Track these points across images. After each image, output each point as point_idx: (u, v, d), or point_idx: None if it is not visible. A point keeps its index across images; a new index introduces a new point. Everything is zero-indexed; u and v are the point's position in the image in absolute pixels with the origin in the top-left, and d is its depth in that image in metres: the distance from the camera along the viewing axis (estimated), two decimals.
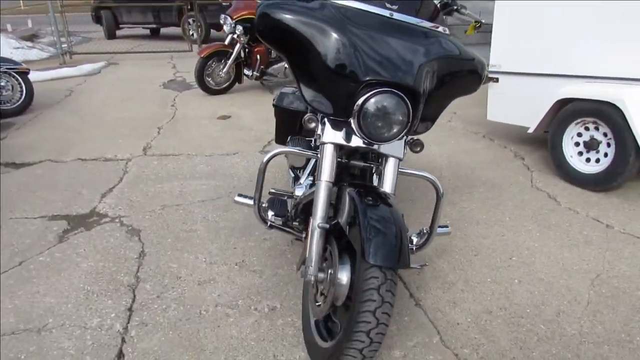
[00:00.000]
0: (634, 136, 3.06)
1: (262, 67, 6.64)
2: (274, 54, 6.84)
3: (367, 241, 1.50)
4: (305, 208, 2.29)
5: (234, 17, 6.25)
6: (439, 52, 1.80)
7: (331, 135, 1.81)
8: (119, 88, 7.03)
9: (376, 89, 1.67)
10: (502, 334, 2.03)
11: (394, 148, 1.83)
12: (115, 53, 10.12)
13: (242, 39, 6.28)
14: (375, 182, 2.00)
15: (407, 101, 1.70)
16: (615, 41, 3.20)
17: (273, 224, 2.24)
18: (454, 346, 1.97)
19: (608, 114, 3.19)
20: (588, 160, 3.46)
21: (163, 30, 13.85)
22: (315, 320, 1.93)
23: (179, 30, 12.25)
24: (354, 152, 1.99)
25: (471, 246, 2.73)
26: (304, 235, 2.29)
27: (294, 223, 2.31)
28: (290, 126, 3.05)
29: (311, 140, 2.46)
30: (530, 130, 3.77)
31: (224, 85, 6.66)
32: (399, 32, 1.79)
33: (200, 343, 1.99)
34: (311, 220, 1.78)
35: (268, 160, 2.09)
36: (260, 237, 2.84)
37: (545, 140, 3.92)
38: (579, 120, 3.42)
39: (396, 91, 1.68)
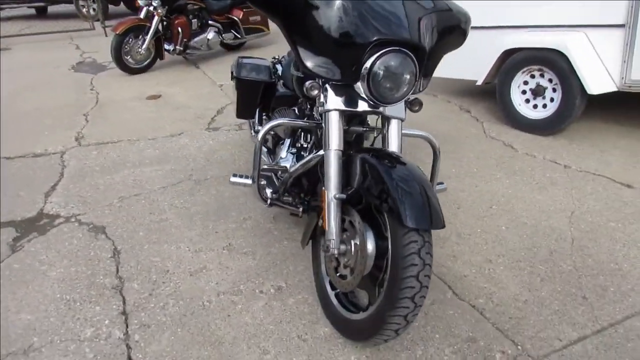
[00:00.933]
0: (579, 79, 3.25)
1: (184, 40, 6.25)
2: (195, 25, 6.47)
3: (401, 205, 1.45)
4: (296, 181, 2.20)
5: None
6: (434, 7, 1.76)
7: (335, 102, 1.71)
8: (23, 76, 6.29)
9: (384, 48, 1.60)
10: (508, 280, 2.11)
11: (397, 109, 1.78)
12: (3, 37, 9.03)
13: (159, 11, 5.84)
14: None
15: (414, 59, 1.65)
16: None
17: (274, 201, 2.13)
18: (468, 298, 2.01)
19: (553, 61, 3.36)
20: (535, 106, 3.64)
21: (52, 9, 12.57)
22: (336, 293, 1.87)
23: (72, 7, 11.15)
24: (352, 118, 1.92)
25: (452, 200, 2.79)
26: (300, 209, 2.20)
27: (284, 198, 2.22)
28: (254, 98, 2.89)
29: (294, 110, 2.33)
30: (479, 83, 3.89)
31: (145, 63, 6.18)
32: None
33: (216, 335, 1.86)
34: (325, 192, 1.70)
35: (265, 135, 1.95)
36: (239, 218, 2.70)
37: (485, 92, 4.08)
38: (525, 69, 3.57)
39: (404, 49, 1.62)
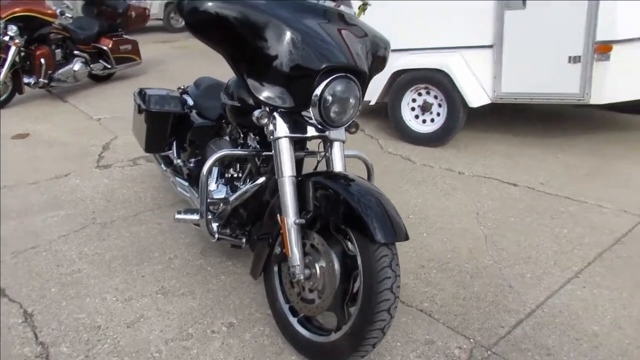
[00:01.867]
0: (461, 95, 3.66)
1: (49, 72, 5.71)
2: (59, 55, 5.94)
3: (369, 221, 1.51)
4: (235, 212, 2.16)
5: (3, 16, 5.20)
6: (363, 34, 1.88)
7: (285, 129, 1.74)
8: None
9: (332, 75, 1.67)
10: (443, 281, 2.28)
11: (339, 132, 1.86)
12: None
13: (17, 41, 5.29)
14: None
15: (357, 83, 1.75)
16: (436, 18, 3.73)
17: (221, 236, 2.06)
18: (414, 304, 2.13)
19: (437, 79, 3.74)
20: (424, 121, 4.00)
21: None
22: (299, 320, 1.86)
23: None
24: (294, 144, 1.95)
25: None
26: (243, 240, 2.15)
27: (222, 230, 2.16)
28: (165, 131, 2.77)
29: (227, 140, 2.28)
30: (372, 103, 4.16)
31: (1, 99, 5.52)
32: (325, 16, 1.81)
33: None
34: (284, 218, 1.70)
35: (210, 167, 1.89)
36: (164, 258, 2.54)
37: (374, 111, 4.36)
38: (412, 88, 3.91)
39: (349, 75, 1.71)
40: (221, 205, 2.13)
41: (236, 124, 2.14)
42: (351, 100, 1.73)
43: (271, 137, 1.76)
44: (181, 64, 8.08)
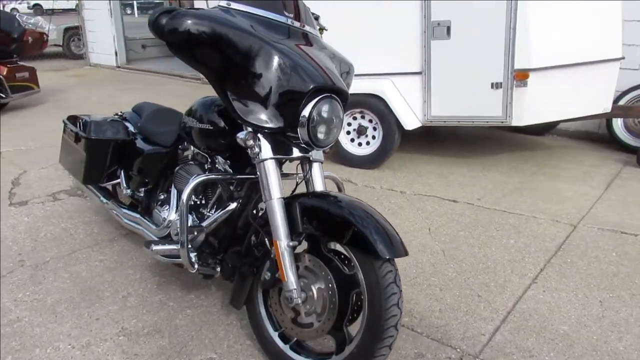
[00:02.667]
0: (396, 118, 3.82)
1: None
2: None
3: (372, 238, 1.51)
4: (205, 241, 2.05)
5: None
6: (333, 56, 1.92)
7: (269, 151, 1.70)
8: None
9: (318, 95, 1.66)
10: (416, 295, 2.32)
11: (318, 153, 1.86)
12: None
13: None
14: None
15: (340, 103, 1.76)
16: (370, 46, 3.87)
17: (202, 265, 1.92)
18: None
19: (372, 104, 3.88)
20: (360, 144, 4.10)
21: None
22: (291, 346, 1.79)
23: None
24: None
25: None
26: (218, 269, 2.03)
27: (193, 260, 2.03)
28: (106, 160, 2.58)
29: (194, 165, 2.15)
30: None
31: None
32: (306, 39, 1.83)
33: None
34: (276, 242, 1.64)
35: (190, 193, 1.78)
36: (117, 297, 2.32)
37: None
38: (348, 112, 4.01)
39: (333, 95, 1.72)
40: (195, 233, 2.00)
41: (204, 148, 2.04)
42: (335, 120, 1.73)
43: (256, 159, 1.70)
44: (81, 92, 7.59)
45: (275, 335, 1.82)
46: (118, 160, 2.63)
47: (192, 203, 2.17)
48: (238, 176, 1.92)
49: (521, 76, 3.57)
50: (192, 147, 2.18)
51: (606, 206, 3.32)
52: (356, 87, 3.82)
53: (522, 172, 3.99)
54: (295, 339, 1.79)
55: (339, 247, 1.67)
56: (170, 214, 2.20)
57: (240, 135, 1.68)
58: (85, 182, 2.67)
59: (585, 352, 1.92)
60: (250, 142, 1.67)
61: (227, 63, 1.62)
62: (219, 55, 1.61)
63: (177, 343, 2.00)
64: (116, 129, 2.54)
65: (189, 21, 1.56)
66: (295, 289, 1.63)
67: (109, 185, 2.77)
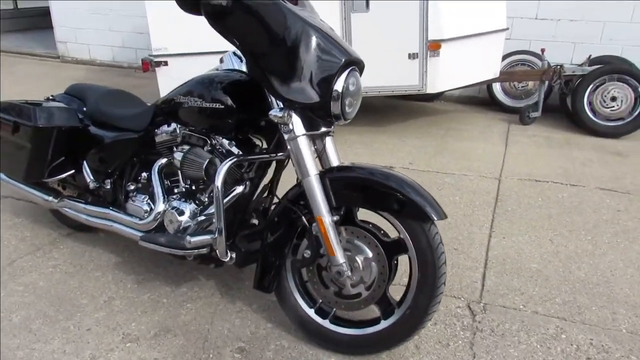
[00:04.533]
0: None
1: None
2: None
3: (421, 203, 1.60)
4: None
5: None
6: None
7: (302, 127, 1.67)
8: None
9: (347, 68, 1.67)
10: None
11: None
12: None
13: None
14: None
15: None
16: None
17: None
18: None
19: None
20: None
21: None
22: (330, 319, 1.80)
23: None
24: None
25: None
26: (233, 255, 1.93)
27: None
28: (56, 150, 2.26)
29: (201, 150, 1.96)
30: None
31: None
32: (313, 13, 1.81)
33: None
34: (320, 218, 1.64)
35: (224, 178, 1.67)
36: (99, 302, 2.08)
37: None
38: None
39: (356, 68, 1.74)
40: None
41: (203, 129, 1.90)
42: (360, 91, 1.76)
43: (289, 136, 1.66)
44: None
45: (312, 313, 1.82)
46: (64, 151, 2.30)
47: (186, 190, 2.02)
48: (275, 156, 1.83)
49: (434, 46, 3.88)
50: (177, 130, 2.01)
51: (513, 160, 3.81)
52: None
53: (433, 136, 4.37)
54: (332, 312, 1.81)
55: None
56: (158, 205, 2.01)
57: (274, 112, 1.62)
58: (27, 178, 2.29)
59: (560, 282, 2.25)
60: (286, 119, 1.61)
61: (263, 37, 1.55)
62: (256, 28, 1.54)
63: (195, 339, 1.88)
64: (67, 115, 2.22)
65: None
66: (344, 262, 1.65)
67: (52, 182, 2.41)
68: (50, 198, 2.35)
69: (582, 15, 4.98)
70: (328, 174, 1.70)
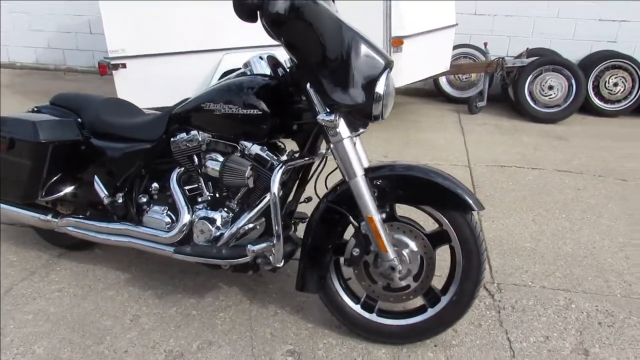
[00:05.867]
0: None
1: None
2: None
3: (463, 195, 1.71)
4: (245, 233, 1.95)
5: None
6: None
7: (347, 130, 1.72)
8: None
9: (385, 70, 1.74)
10: None
11: None
12: None
13: None
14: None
15: None
16: None
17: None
18: None
19: None
20: None
21: None
22: (377, 313, 1.87)
23: None
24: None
25: None
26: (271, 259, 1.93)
27: None
28: (54, 167, 2.13)
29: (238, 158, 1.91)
30: None
31: None
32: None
33: None
34: (371, 217, 1.70)
35: (280, 185, 1.68)
36: (124, 322, 1.99)
37: None
38: None
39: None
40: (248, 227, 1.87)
41: (237, 135, 1.88)
42: (394, 93, 1.83)
43: (335, 139, 1.70)
44: None
45: (358, 308, 1.88)
46: (62, 166, 2.16)
47: (211, 197, 1.99)
48: (312, 158, 1.86)
49: (397, 42, 4.03)
50: (199, 137, 1.95)
51: (474, 148, 4.08)
52: (245, 59, 3.78)
53: (396, 128, 4.55)
54: (377, 305, 1.88)
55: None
56: (182, 215, 1.96)
57: (323, 116, 1.65)
58: (26, 199, 2.12)
59: (554, 258, 2.48)
60: (336, 123, 1.65)
61: (317, 42, 1.58)
62: (311, 34, 1.56)
63: (242, 347, 1.87)
64: (69, 128, 2.08)
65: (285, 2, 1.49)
66: (395, 257, 1.73)
67: (42, 201, 2.25)
68: (49, 217, 2.19)
69: (516, 10, 5.40)
70: (369, 174, 1.75)
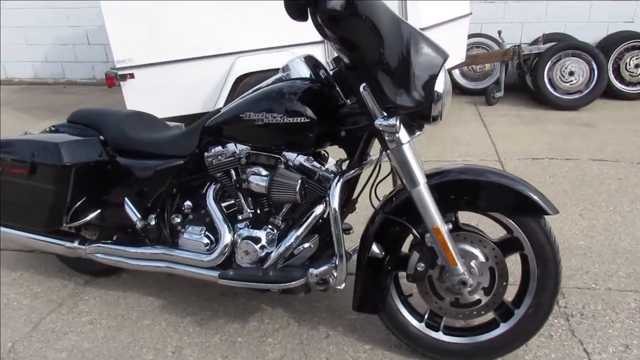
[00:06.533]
0: None
1: None
2: None
3: (536, 199, 1.55)
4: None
5: None
6: None
7: (406, 134, 1.56)
8: None
9: (444, 65, 1.59)
10: None
11: None
12: None
13: None
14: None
15: None
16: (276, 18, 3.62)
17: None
18: None
19: None
20: None
21: None
22: (444, 332, 1.72)
23: None
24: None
25: None
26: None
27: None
28: (82, 187, 1.98)
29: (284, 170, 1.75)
30: None
31: None
32: None
33: None
34: (437, 228, 1.55)
35: (341, 199, 1.52)
36: (165, 354, 1.83)
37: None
38: None
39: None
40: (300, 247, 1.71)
41: (281, 146, 1.73)
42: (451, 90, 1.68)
43: (393, 144, 1.54)
44: None
45: (422, 327, 1.72)
46: (86, 189, 2.00)
47: (253, 214, 1.83)
48: (362, 167, 1.70)
49: None
50: (236, 150, 1.79)
51: (500, 141, 3.93)
52: (268, 62, 3.62)
53: None
54: (442, 322, 1.73)
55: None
56: (223, 236, 1.80)
57: (381, 121, 1.48)
58: (49, 226, 1.96)
59: (613, 256, 2.33)
60: (397, 128, 1.49)
61: (375, 41, 1.42)
62: (369, 33, 1.40)
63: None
64: (93, 148, 1.92)
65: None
66: (465, 270, 1.58)
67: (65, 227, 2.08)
68: (76, 245, 2.04)
69: None
70: (429, 180, 1.60)
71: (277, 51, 3.71)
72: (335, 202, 1.53)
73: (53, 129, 2.13)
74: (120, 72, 3.72)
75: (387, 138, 1.53)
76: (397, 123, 1.48)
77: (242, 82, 3.75)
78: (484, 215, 1.64)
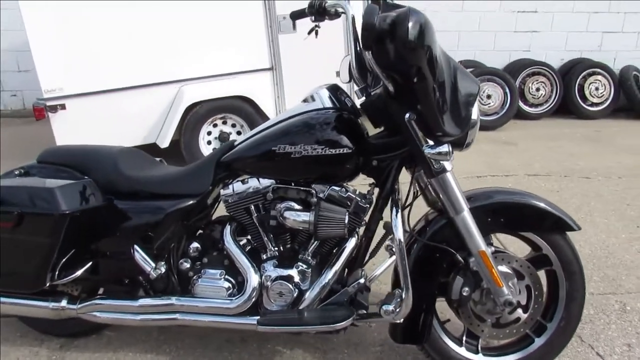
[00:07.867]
0: (266, 118, 3.65)
1: None
2: None
3: (562, 216, 1.66)
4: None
5: None
6: None
7: (449, 162, 1.59)
8: None
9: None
10: None
11: None
12: None
13: None
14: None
15: None
16: (217, 46, 3.50)
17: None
18: None
19: (239, 107, 3.57)
20: None
21: None
22: (483, 352, 1.75)
23: None
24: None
25: None
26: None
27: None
28: (73, 239, 1.74)
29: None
30: (165, 145, 3.51)
31: None
32: None
33: None
34: (484, 252, 1.59)
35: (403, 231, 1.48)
36: None
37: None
38: (210, 120, 3.57)
39: None
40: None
41: (315, 179, 1.66)
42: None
43: (438, 172, 1.56)
44: None
45: (463, 351, 1.73)
46: (77, 241, 1.74)
47: (279, 251, 1.72)
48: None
49: None
50: (259, 185, 1.69)
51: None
52: (219, 90, 3.49)
53: None
54: (478, 344, 1.76)
55: None
56: (250, 278, 1.67)
57: (431, 149, 1.50)
58: (37, 285, 1.65)
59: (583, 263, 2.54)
60: (449, 155, 1.51)
61: (433, 72, 1.43)
62: (431, 64, 1.41)
63: None
64: (90, 192, 1.67)
65: (423, 24, 1.33)
66: (510, 291, 1.63)
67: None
68: (64, 304, 1.75)
69: (443, 25, 5.66)
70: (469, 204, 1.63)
71: (223, 79, 3.58)
72: (398, 233, 1.49)
73: (21, 171, 1.83)
74: (49, 103, 3.33)
75: (434, 166, 1.54)
76: (450, 150, 1.50)
77: (192, 112, 3.55)
78: (514, 236, 1.71)
